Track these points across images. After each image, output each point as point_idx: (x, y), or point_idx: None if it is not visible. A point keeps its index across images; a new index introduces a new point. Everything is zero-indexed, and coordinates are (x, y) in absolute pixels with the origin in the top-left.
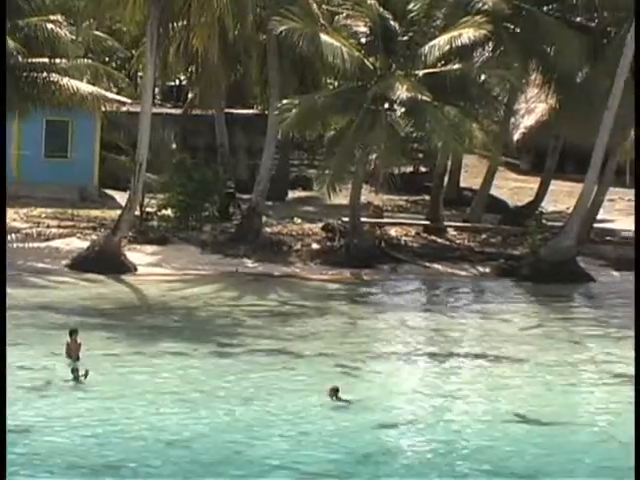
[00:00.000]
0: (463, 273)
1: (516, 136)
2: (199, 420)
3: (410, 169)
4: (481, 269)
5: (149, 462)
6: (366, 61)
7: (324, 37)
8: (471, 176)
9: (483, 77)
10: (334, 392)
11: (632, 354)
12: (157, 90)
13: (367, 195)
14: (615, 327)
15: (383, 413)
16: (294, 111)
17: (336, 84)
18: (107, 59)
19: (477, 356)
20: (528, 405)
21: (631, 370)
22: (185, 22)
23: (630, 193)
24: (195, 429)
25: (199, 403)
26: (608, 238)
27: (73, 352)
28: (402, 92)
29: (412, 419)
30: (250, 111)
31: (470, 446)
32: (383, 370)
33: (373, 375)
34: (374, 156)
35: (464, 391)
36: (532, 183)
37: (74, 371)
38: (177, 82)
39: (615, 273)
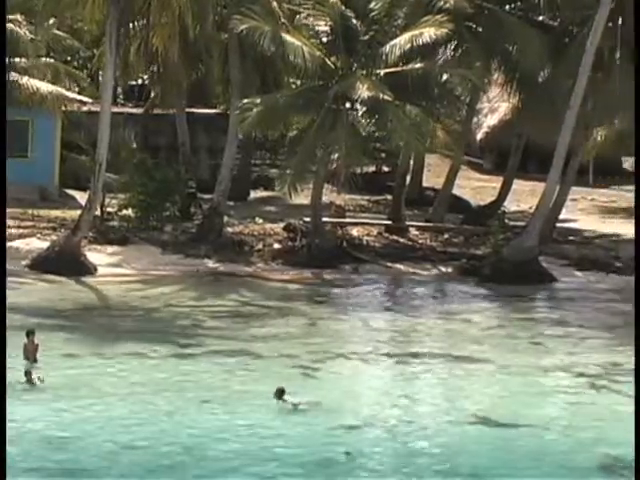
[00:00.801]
0: (425, 273)
1: (479, 135)
2: (153, 422)
3: (373, 169)
4: (443, 269)
5: (99, 464)
6: (327, 60)
7: (285, 36)
8: (434, 175)
9: (445, 76)
10: (279, 393)
11: (593, 354)
12: (119, 90)
13: (329, 195)
14: (577, 327)
15: (342, 414)
16: (255, 110)
17: (298, 83)
18: (69, 58)
19: (438, 357)
20: (488, 406)
21: (591, 370)
22: (145, 21)
23: (593, 192)
24: (148, 431)
25: (156, 404)
26: (571, 238)
27: (30, 353)
28: (363, 91)
29: (372, 421)
30: (212, 110)
31: (429, 447)
32: (343, 371)
33: (333, 376)
34: (335, 156)
35: (424, 392)
36: (495, 182)
37: (27, 374)
38: (139, 81)
39: (578, 273)
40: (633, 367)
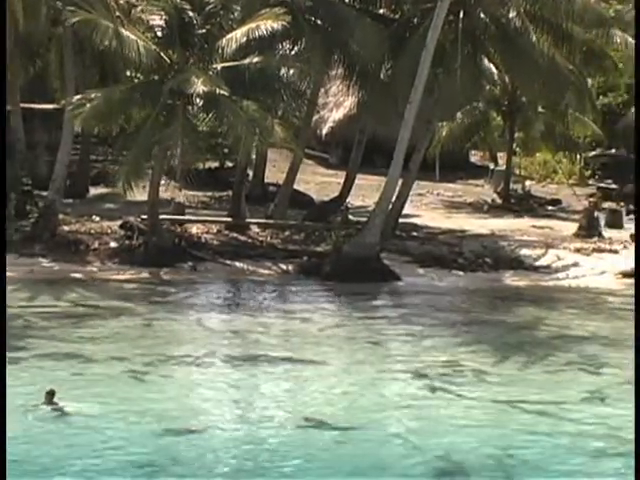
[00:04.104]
0: (265, 271)
1: (325, 130)
2: None
3: (216, 164)
4: (284, 267)
5: None
6: (162, 54)
7: (120, 30)
8: (279, 171)
9: (284, 71)
10: (49, 396)
11: (433, 353)
12: None
13: (171, 191)
14: (418, 325)
15: (172, 420)
16: (89, 105)
17: (141, 78)
18: None
19: (276, 358)
20: (324, 409)
21: (431, 371)
22: None
23: (439, 187)
24: None
25: None
26: (414, 234)
27: None
28: (198, 86)
29: (205, 425)
30: (50, 106)
31: (265, 452)
32: (176, 374)
33: (165, 380)
34: (171, 152)
35: (260, 395)
36: (341, 178)
37: None
38: None
39: (420, 270)
40: (634, 368)
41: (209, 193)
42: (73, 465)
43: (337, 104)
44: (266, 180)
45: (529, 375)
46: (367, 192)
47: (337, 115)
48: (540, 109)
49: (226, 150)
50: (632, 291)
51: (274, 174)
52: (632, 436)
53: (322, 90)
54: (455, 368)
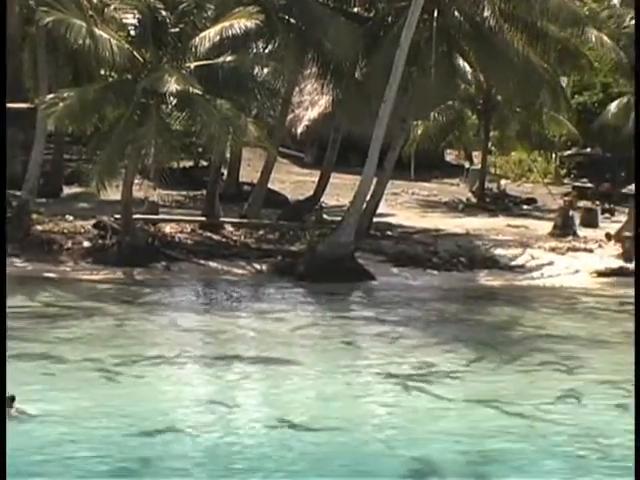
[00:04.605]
0: (239, 271)
1: (300, 129)
2: None
3: (190, 163)
4: (258, 266)
5: None
6: (136, 53)
7: (93, 29)
8: (254, 170)
9: (258, 70)
10: (10, 401)
11: (407, 353)
12: None
13: (145, 191)
14: (391, 325)
15: (143, 420)
16: (62, 104)
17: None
18: None
19: (248, 358)
20: (297, 409)
21: (405, 370)
22: None
23: (414, 186)
24: None
25: None
26: (389, 233)
27: None
28: (172, 85)
29: (177, 426)
30: (23, 105)
31: (237, 453)
32: (148, 375)
33: (137, 380)
34: (144, 151)
35: (234, 396)
36: (316, 177)
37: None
38: None
39: (394, 269)
40: (634, 369)
41: (183, 192)
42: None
43: (312, 103)
44: (241, 179)
45: (504, 375)
46: (342, 191)
47: (312, 114)
48: (515, 108)
49: (200, 149)
50: (607, 290)
51: (249, 173)
52: (606, 436)
53: (297, 89)
54: (429, 368)
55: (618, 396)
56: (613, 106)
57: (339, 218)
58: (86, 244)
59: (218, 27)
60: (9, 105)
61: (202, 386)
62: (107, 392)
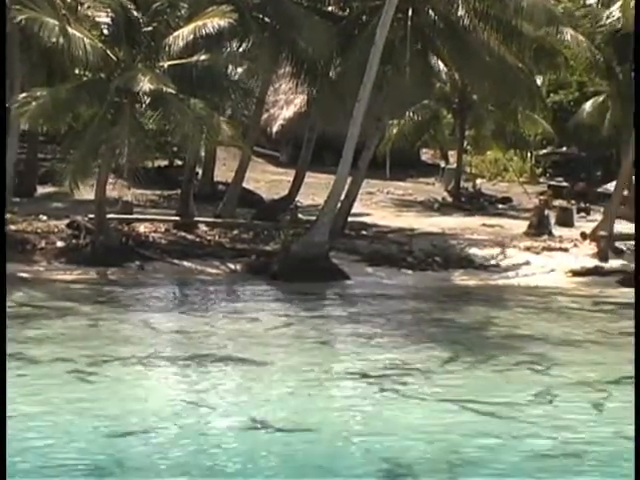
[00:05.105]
0: (213, 271)
1: (275, 128)
2: None
3: (165, 163)
4: (232, 266)
5: None
6: (109, 52)
7: (67, 28)
8: (229, 170)
9: (232, 69)
10: None
11: (381, 353)
12: None
13: (119, 190)
14: (366, 325)
15: (114, 420)
16: (35, 103)
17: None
18: None
19: (222, 359)
20: (269, 410)
21: (379, 370)
22: None
23: (390, 185)
24: None
25: None
26: (364, 232)
27: None
28: (145, 84)
29: (149, 426)
30: None
31: (209, 454)
32: (121, 375)
33: (109, 381)
34: (118, 150)
35: (206, 395)
36: (291, 176)
37: None
38: None
39: (369, 269)
40: (634, 368)
41: (158, 192)
42: None
43: (287, 102)
44: (215, 179)
45: (478, 375)
46: (317, 190)
47: (287, 113)
48: (491, 107)
49: (175, 148)
50: (582, 290)
51: (224, 173)
52: (578, 436)
53: (272, 88)
54: (404, 368)
55: (592, 395)
56: (588, 105)
57: (314, 217)
58: (60, 244)
59: (192, 26)
60: None
61: (174, 386)
62: (78, 391)
